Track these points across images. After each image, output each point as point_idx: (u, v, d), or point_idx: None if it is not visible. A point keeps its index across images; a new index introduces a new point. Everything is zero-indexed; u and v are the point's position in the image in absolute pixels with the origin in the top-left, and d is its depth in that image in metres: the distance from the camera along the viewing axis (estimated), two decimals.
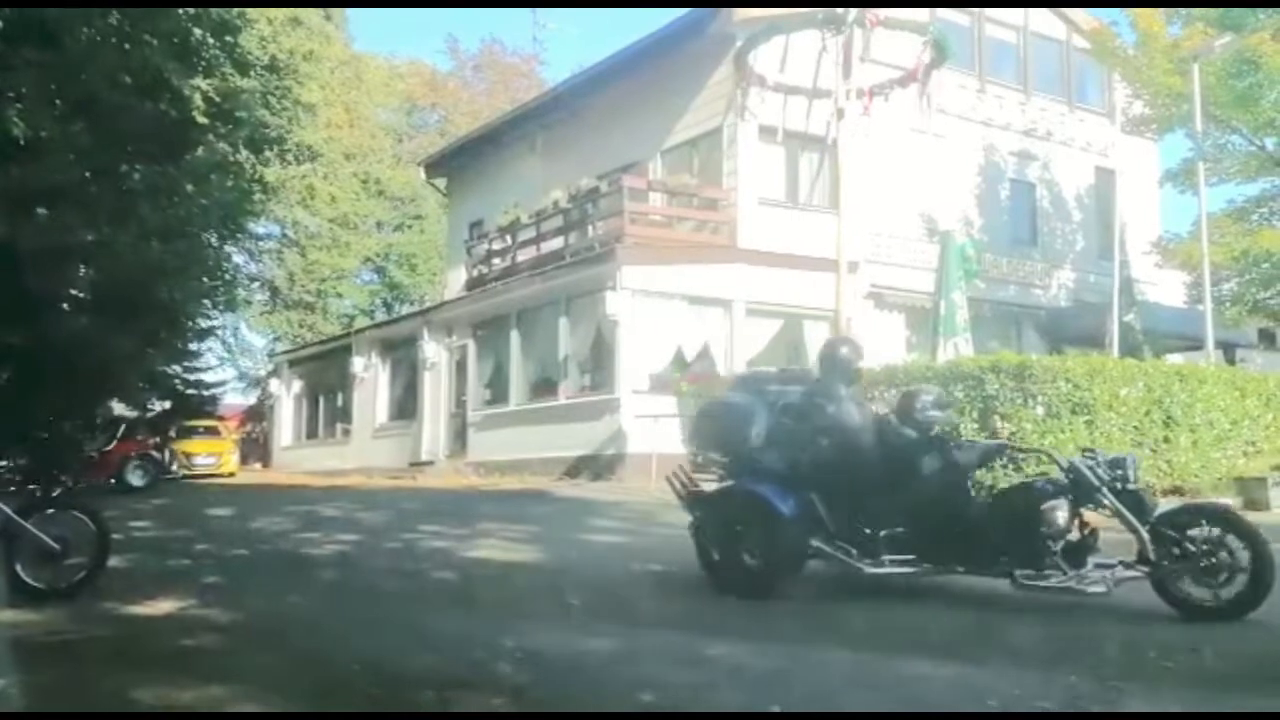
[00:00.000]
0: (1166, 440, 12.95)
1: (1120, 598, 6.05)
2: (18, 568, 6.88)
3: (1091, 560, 6.18)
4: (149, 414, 23.82)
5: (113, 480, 20.49)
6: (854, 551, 6.55)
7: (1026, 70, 23.63)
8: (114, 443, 21.14)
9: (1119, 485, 6.15)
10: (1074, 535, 6.21)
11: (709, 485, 7.54)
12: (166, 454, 22.48)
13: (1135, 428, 13.40)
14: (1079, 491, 6.22)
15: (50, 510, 7.23)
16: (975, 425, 13.28)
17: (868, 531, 6.59)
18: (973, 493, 7.06)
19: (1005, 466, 10.33)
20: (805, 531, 6.66)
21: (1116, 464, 6.26)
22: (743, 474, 7.10)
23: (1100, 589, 5.99)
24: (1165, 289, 23.58)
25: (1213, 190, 19.95)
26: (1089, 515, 6.40)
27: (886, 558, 6.50)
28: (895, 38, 16.01)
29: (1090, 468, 6.22)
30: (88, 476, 19.98)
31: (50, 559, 6.96)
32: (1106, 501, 6.13)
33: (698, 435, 7.72)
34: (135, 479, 20.73)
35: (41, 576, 6.98)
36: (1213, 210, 19.73)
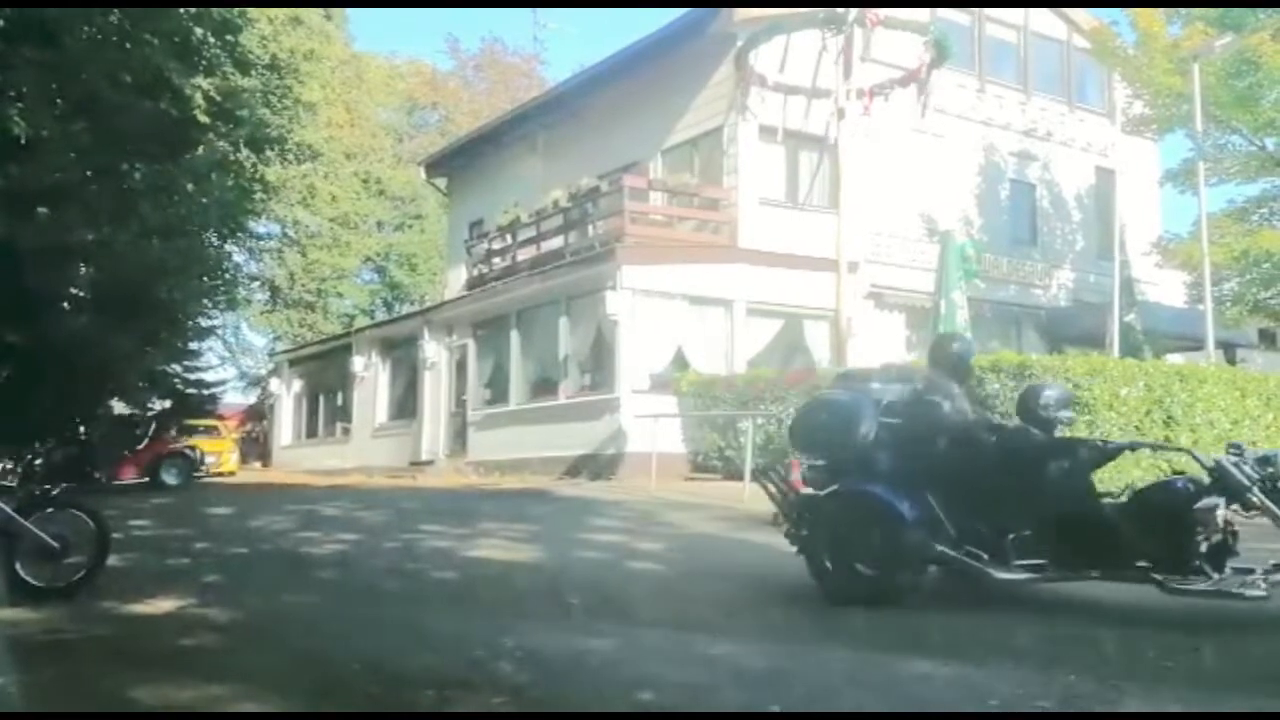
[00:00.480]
0: (1167, 440, 12.94)
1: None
2: (17, 566, 6.87)
3: (1230, 564, 5.80)
4: (149, 413, 23.81)
5: (147, 479, 20.47)
6: (984, 556, 6.19)
7: (1027, 70, 23.63)
8: (145, 441, 21.15)
9: (1269, 484, 5.76)
10: (1218, 537, 5.85)
11: (806, 489, 7.07)
12: (198, 453, 22.54)
13: (1136, 427, 13.40)
14: (1226, 491, 5.80)
15: (50, 509, 7.20)
16: None
17: (995, 535, 6.25)
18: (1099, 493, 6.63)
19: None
20: (928, 535, 6.30)
21: (1266, 461, 5.88)
22: (850, 475, 6.67)
23: (1258, 592, 5.55)
24: (1165, 289, 23.57)
25: (1213, 190, 19.98)
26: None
27: (1017, 563, 6.18)
28: (896, 37, 16.04)
29: (1237, 465, 5.81)
30: (121, 474, 19.99)
31: (50, 557, 6.95)
32: (1257, 500, 5.74)
33: (798, 435, 7.14)
34: (170, 477, 20.73)
35: (41, 575, 6.96)
36: (1213, 210, 19.75)
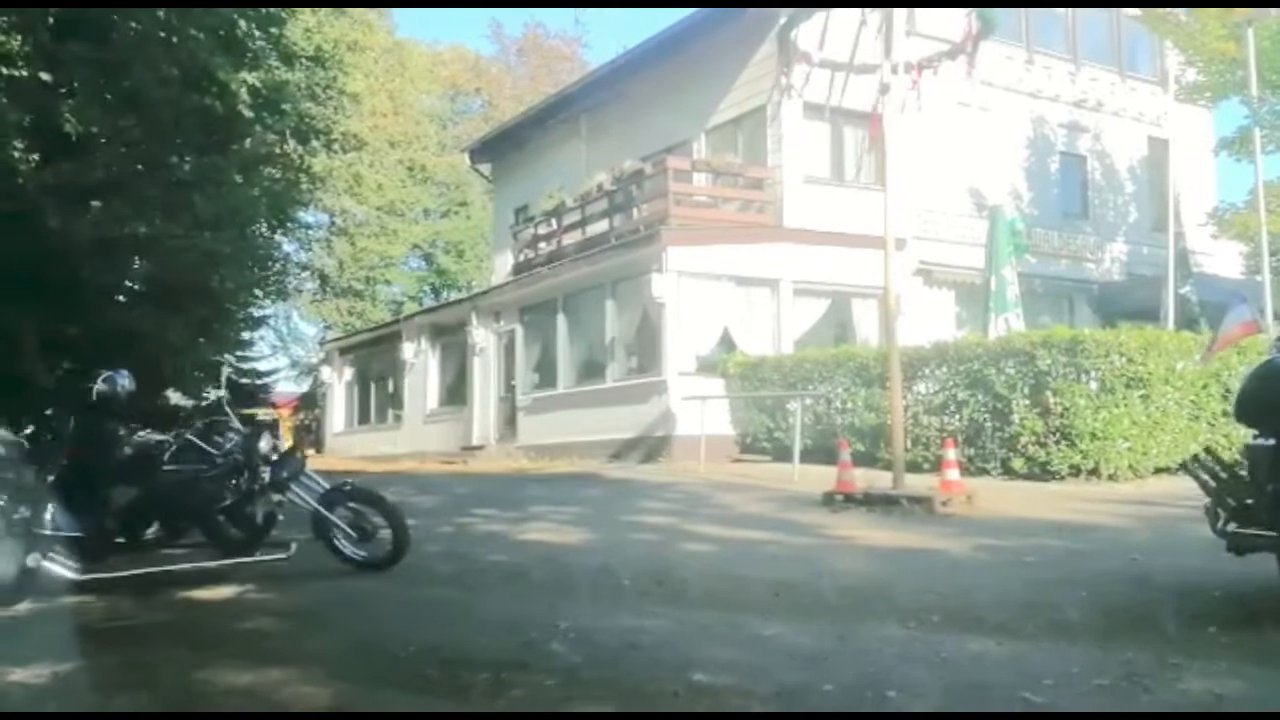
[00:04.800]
0: (1225, 414, 12.73)
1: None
2: (338, 544, 7.40)
3: None
4: (204, 403, 24.18)
5: None
6: None
7: (1075, 40, 23.21)
8: None
9: None
10: None
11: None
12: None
13: (1192, 401, 13.22)
14: None
15: (350, 502, 7.60)
16: (1027, 402, 13.18)
17: None
18: None
19: None
20: None
21: None
22: None
23: None
24: (1221, 260, 23.14)
25: (1269, 158, 19.65)
26: None
27: None
28: (940, 10, 15.83)
29: None
30: None
31: (355, 543, 7.44)
32: None
33: (1253, 406, 5.63)
34: None
35: (356, 554, 7.44)
36: (1269, 179, 19.39)
